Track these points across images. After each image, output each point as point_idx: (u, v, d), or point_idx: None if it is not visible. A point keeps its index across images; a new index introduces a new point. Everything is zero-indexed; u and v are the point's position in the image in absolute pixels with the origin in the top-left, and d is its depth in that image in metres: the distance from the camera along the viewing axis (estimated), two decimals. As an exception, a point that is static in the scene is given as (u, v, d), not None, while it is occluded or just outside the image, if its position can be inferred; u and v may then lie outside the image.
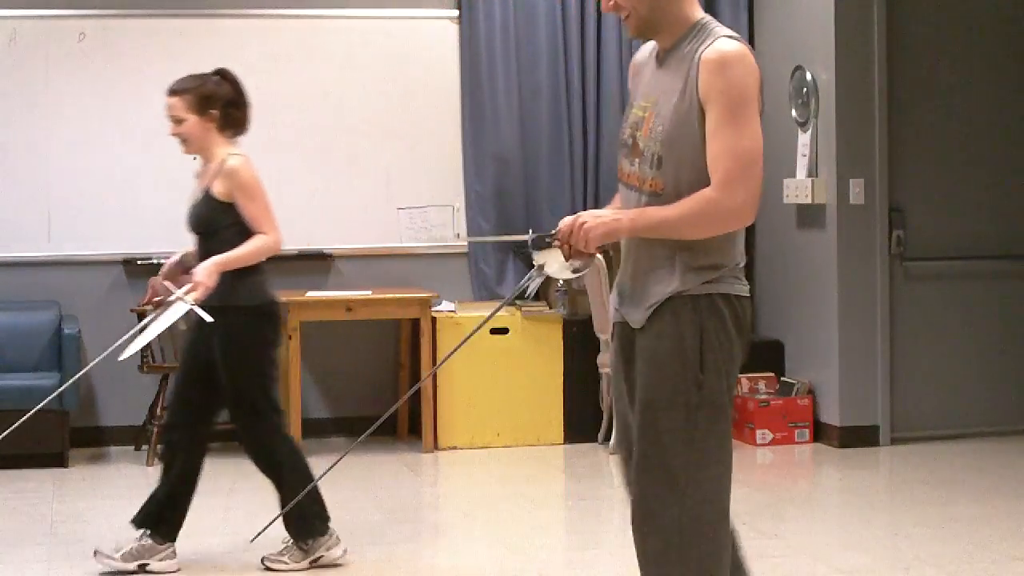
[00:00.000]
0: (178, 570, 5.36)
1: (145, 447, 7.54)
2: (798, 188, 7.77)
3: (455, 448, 7.76)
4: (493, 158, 8.20)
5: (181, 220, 7.89)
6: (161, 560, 5.32)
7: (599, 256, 3.58)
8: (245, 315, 5.30)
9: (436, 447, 7.73)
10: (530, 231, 3.67)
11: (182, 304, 5.05)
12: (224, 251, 5.26)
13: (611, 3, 3.36)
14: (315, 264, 8.11)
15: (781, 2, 8.15)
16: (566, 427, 7.88)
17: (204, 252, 5.31)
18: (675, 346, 3.30)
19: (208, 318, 5.03)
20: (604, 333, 7.63)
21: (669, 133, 3.28)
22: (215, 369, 5.25)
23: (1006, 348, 7.95)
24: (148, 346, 7.53)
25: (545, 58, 8.23)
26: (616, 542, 5.97)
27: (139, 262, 7.84)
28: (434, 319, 7.72)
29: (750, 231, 8.44)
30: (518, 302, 8.00)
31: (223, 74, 5.52)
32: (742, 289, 3.35)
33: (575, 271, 3.50)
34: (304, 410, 7.78)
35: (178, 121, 5.44)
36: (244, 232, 5.36)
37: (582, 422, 7.88)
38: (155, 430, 7.43)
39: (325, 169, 8.11)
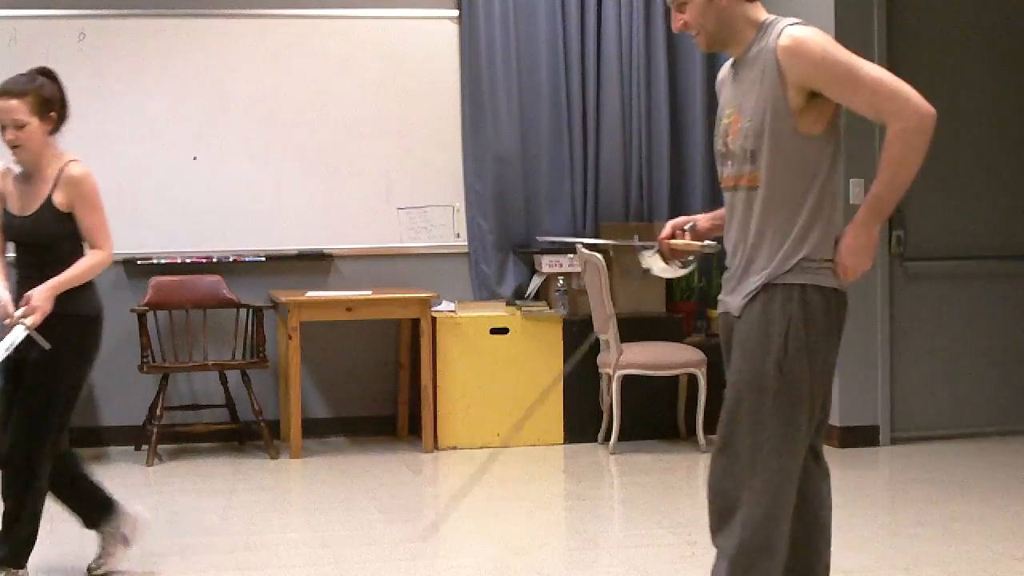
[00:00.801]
0: None
1: (145, 447, 7.54)
2: (798, 188, 7.76)
3: (455, 448, 7.76)
4: (493, 158, 8.20)
5: (181, 220, 7.95)
6: None
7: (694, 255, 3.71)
8: (77, 323, 4.92)
9: (436, 447, 7.73)
10: (636, 237, 3.82)
11: (20, 328, 4.76)
12: (60, 263, 4.88)
13: (680, 23, 3.48)
14: (315, 264, 8.11)
15: (781, 2, 8.14)
16: (566, 427, 7.88)
17: (38, 264, 4.91)
18: (762, 331, 3.39)
19: (46, 345, 4.72)
20: (604, 333, 7.63)
21: (757, 127, 3.39)
22: (29, 368, 4.86)
23: (1006, 348, 7.95)
24: (148, 346, 7.54)
25: (545, 58, 8.23)
26: (616, 542, 5.98)
27: (139, 262, 7.84)
28: (434, 319, 7.72)
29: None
30: (518, 302, 8.01)
31: (48, 74, 5.14)
32: (836, 282, 3.42)
33: (682, 267, 3.67)
34: (304, 410, 7.79)
35: (19, 126, 4.98)
36: (78, 243, 4.96)
37: (582, 422, 7.88)
38: (155, 430, 7.43)
39: (325, 169, 8.11)
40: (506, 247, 8.25)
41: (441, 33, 8.23)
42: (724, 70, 3.63)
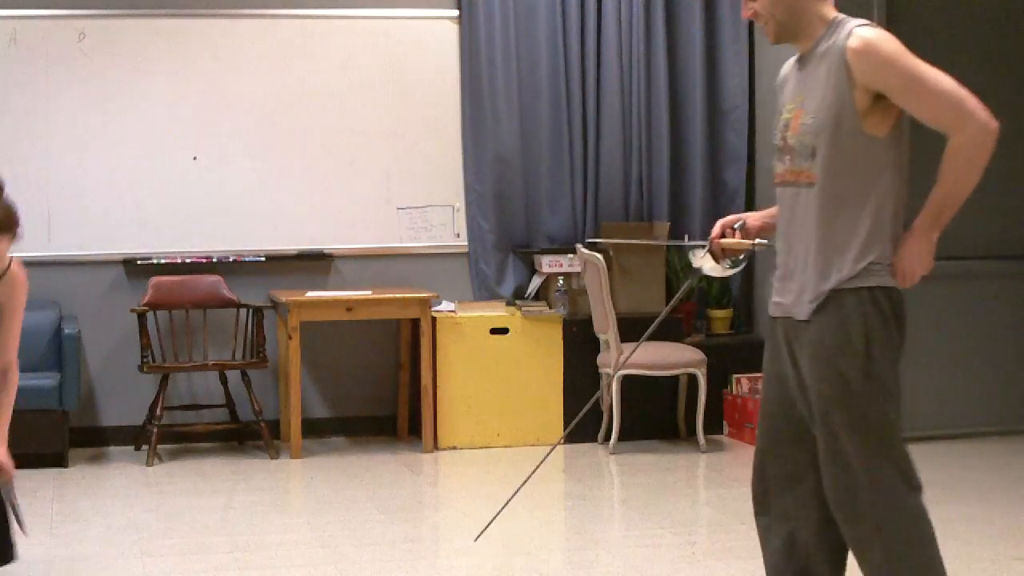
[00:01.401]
0: None
1: (145, 447, 7.54)
2: (798, 188, 7.76)
3: (455, 448, 7.76)
4: (493, 158, 8.20)
5: (181, 220, 7.95)
6: None
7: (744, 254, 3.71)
8: None
9: (436, 447, 7.73)
10: (685, 237, 3.87)
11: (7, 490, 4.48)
12: None
13: (750, 11, 3.52)
14: (315, 264, 8.11)
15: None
16: (566, 427, 7.87)
17: None
18: (841, 337, 3.38)
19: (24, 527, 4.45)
20: (604, 333, 7.63)
21: (819, 124, 3.39)
22: None
23: (1006, 348, 7.94)
24: (148, 346, 7.54)
25: (545, 58, 8.23)
26: (616, 542, 5.98)
27: (139, 262, 7.84)
28: (434, 319, 7.72)
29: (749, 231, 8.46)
30: (518, 302, 8.01)
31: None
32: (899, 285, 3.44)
33: (732, 266, 3.68)
34: (304, 410, 7.78)
35: None
36: None
37: (582, 422, 7.85)
38: (155, 430, 7.43)
39: (325, 169, 8.11)
40: (506, 247, 8.25)
41: (441, 33, 8.23)
42: (787, 66, 3.63)
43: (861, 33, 3.35)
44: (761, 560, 5.50)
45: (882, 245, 3.40)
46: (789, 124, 3.48)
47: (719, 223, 3.72)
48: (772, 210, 3.68)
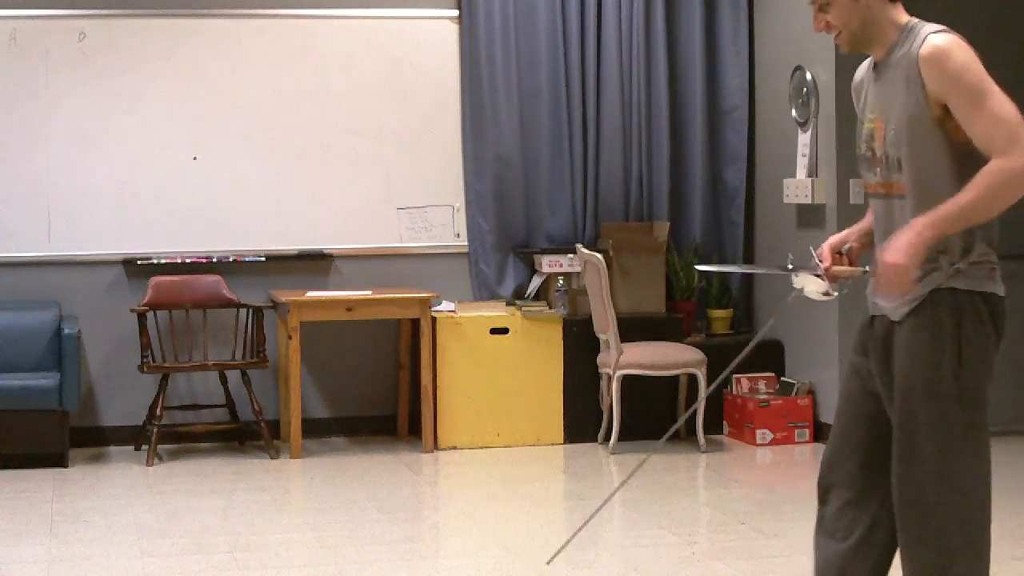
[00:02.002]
0: None
1: (145, 447, 7.54)
2: (798, 188, 7.77)
3: (455, 448, 7.76)
4: (493, 158, 8.20)
5: (181, 220, 7.95)
6: None
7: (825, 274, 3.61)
8: None
9: (436, 447, 7.73)
10: (789, 256, 3.78)
11: None
12: None
13: (823, 24, 3.50)
14: (315, 264, 8.11)
15: (781, 2, 8.16)
16: (566, 427, 7.88)
17: None
18: (933, 337, 3.37)
19: None
20: (604, 333, 7.63)
21: (902, 135, 3.38)
22: None
23: (1006, 348, 7.92)
24: (148, 346, 7.54)
25: (545, 58, 8.23)
26: (616, 542, 5.98)
27: (139, 262, 7.84)
28: (434, 319, 7.72)
29: (749, 231, 8.47)
30: (518, 302, 8.01)
31: None
32: (999, 288, 3.43)
33: (828, 293, 3.62)
34: (304, 410, 7.78)
35: None
36: None
37: (582, 422, 7.88)
38: (155, 430, 7.43)
39: (325, 169, 8.11)
40: (506, 247, 8.24)
41: (441, 33, 8.22)
42: (862, 71, 3.62)
43: (934, 40, 3.36)
44: (761, 561, 5.52)
45: (978, 247, 3.38)
46: (874, 135, 3.48)
47: (827, 247, 3.61)
48: (866, 224, 3.63)
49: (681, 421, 5.30)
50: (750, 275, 8.48)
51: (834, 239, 3.64)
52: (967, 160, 3.35)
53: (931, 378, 3.36)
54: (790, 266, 3.68)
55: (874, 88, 3.51)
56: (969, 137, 3.34)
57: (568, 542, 4.81)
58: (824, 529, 3.61)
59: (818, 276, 3.55)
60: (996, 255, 3.45)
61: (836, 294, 3.58)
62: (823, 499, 3.62)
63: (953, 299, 3.36)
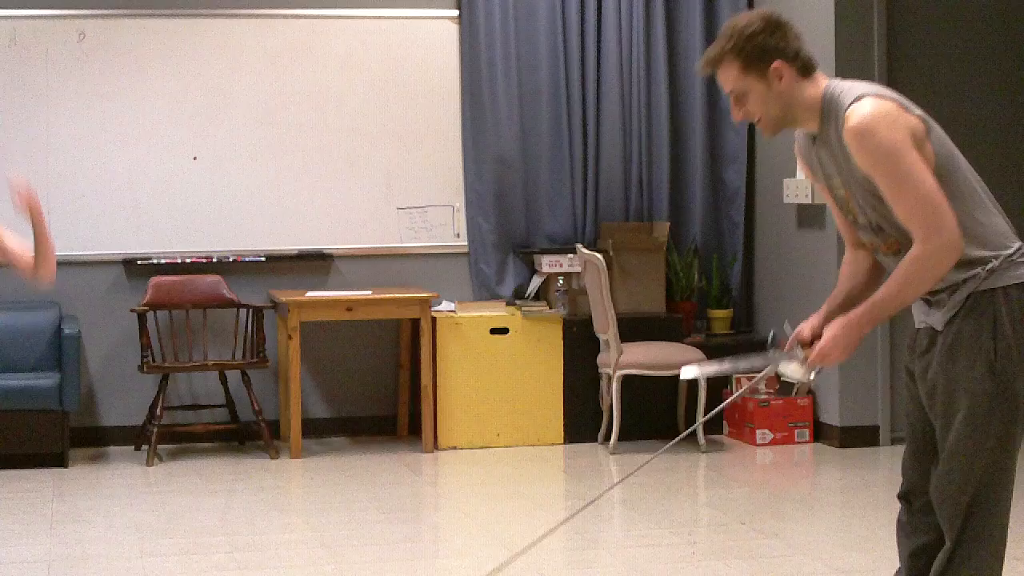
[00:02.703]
0: None
1: (145, 447, 7.54)
2: (798, 188, 7.77)
3: (455, 448, 7.76)
4: (493, 158, 8.20)
5: (181, 220, 7.95)
6: None
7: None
8: None
9: (436, 447, 7.73)
10: (770, 336, 3.84)
11: None
12: None
13: (741, 114, 3.49)
14: (315, 264, 8.11)
15: (781, 2, 8.15)
16: (566, 427, 7.88)
17: None
18: (971, 337, 3.37)
19: None
20: (604, 333, 7.63)
21: (868, 200, 3.40)
22: None
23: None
24: (148, 346, 7.54)
25: (545, 58, 8.23)
26: (616, 542, 5.98)
27: (139, 262, 7.84)
28: (434, 319, 7.72)
29: (749, 231, 8.48)
30: (518, 302, 8.01)
31: None
32: None
33: (816, 373, 3.66)
34: (304, 410, 7.78)
35: None
36: None
37: (582, 422, 7.88)
38: (155, 430, 7.43)
39: (325, 169, 8.11)
40: (506, 247, 8.24)
41: (441, 33, 8.22)
42: (800, 137, 3.59)
43: (852, 117, 3.32)
44: (761, 560, 5.52)
45: (994, 247, 3.38)
46: (847, 205, 3.49)
47: (808, 329, 3.62)
48: (842, 289, 3.64)
49: (684, 434, 5.31)
50: (750, 275, 8.47)
51: (815, 321, 3.62)
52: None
53: (968, 377, 3.37)
54: (771, 352, 3.70)
55: (824, 156, 3.49)
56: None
57: (515, 556, 4.69)
58: (904, 530, 3.63)
59: (797, 360, 3.57)
60: (1016, 240, 3.46)
61: (814, 377, 3.66)
62: (904, 501, 3.64)
63: (990, 298, 3.37)
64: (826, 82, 3.46)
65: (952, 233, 3.29)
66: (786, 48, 3.42)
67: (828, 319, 3.57)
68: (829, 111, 3.41)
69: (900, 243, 3.39)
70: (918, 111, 3.43)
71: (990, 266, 3.37)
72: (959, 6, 7.91)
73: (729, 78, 3.46)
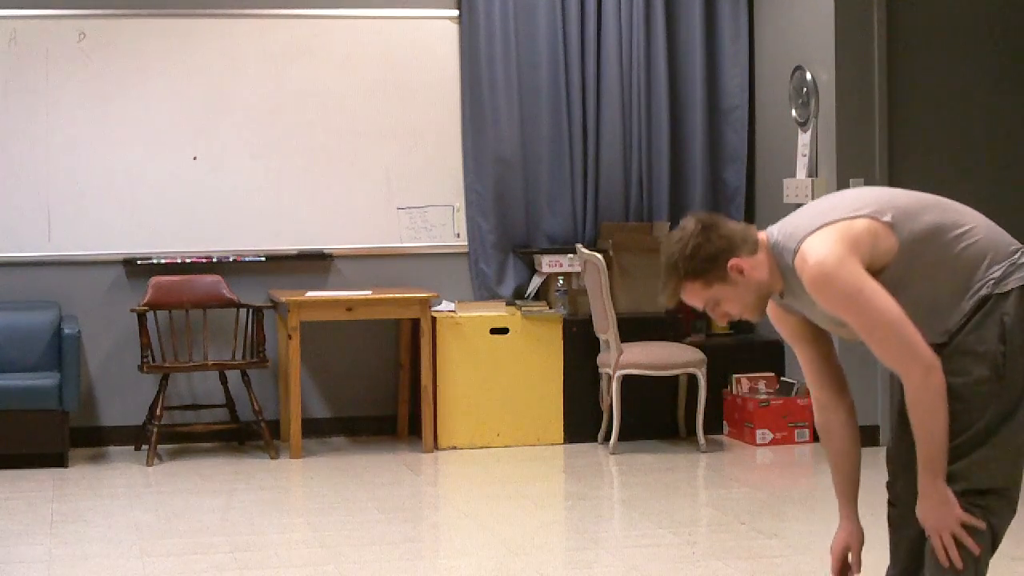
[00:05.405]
0: None
1: (145, 447, 7.53)
2: (798, 188, 7.77)
3: (455, 448, 7.76)
4: (493, 158, 8.20)
5: (181, 220, 7.95)
6: None
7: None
8: None
9: (436, 447, 7.73)
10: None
11: None
12: None
13: (725, 317, 3.53)
14: (315, 264, 8.11)
15: (781, 2, 8.16)
16: (566, 427, 7.88)
17: None
18: (976, 339, 3.36)
19: None
20: (604, 333, 7.62)
21: (855, 331, 3.40)
22: None
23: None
24: (148, 346, 7.54)
25: (545, 58, 8.23)
26: (616, 542, 5.98)
27: (139, 262, 7.84)
28: (434, 319, 7.72)
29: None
30: (518, 302, 8.00)
31: None
32: None
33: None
34: (304, 410, 7.78)
35: None
36: None
37: (582, 422, 7.88)
38: (155, 430, 7.43)
39: (325, 169, 8.11)
40: (506, 247, 8.24)
41: (441, 33, 8.22)
42: (771, 302, 3.60)
43: (804, 271, 3.33)
44: (761, 560, 5.52)
45: (991, 268, 3.39)
46: (842, 335, 3.53)
47: (837, 561, 3.61)
48: (846, 484, 3.61)
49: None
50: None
51: (847, 532, 3.60)
52: (914, 262, 3.36)
53: (973, 378, 3.36)
54: None
55: (797, 305, 3.52)
56: (891, 259, 3.36)
57: None
58: (894, 523, 3.63)
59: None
60: (1011, 243, 3.47)
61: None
62: (889, 495, 3.63)
63: (996, 302, 3.37)
64: (767, 239, 3.46)
65: (924, 355, 3.29)
66: (731, 244, 3.43)
67: (855, 514, 3.59)
68: (783, 267, 3.43)
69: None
70: (863, 201, 3.40)
71: (995, 276, 3.38)
72: (959, 6, 7.91)
73: (697, 297, 3.51)
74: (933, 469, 3.35)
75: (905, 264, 3.37)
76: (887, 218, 3.38)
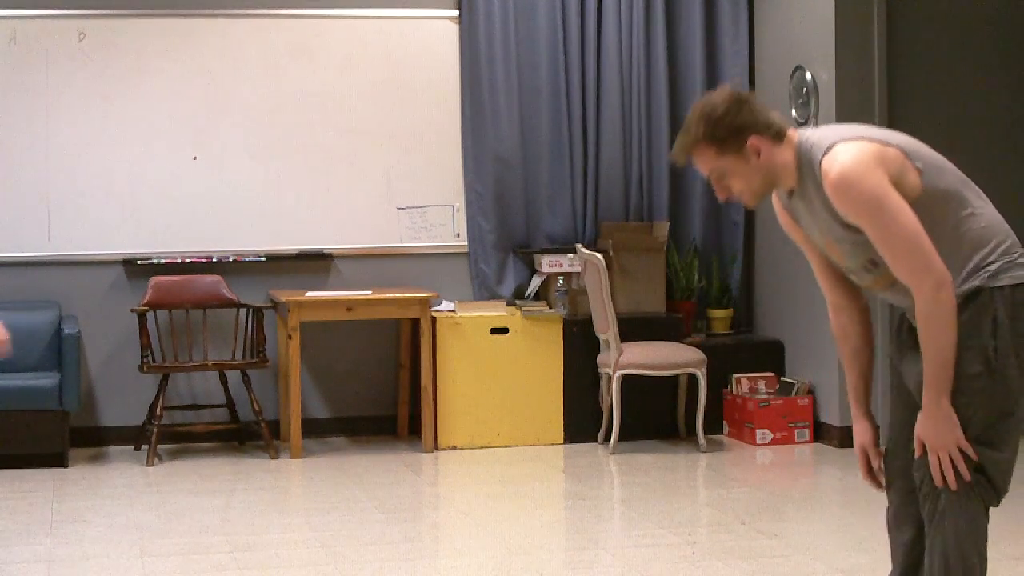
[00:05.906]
0: None
1: (145, 447, 7.54)
2: (798, 188, 7.76)
3: (455, 448, 7.76)
4: (493, 158, 8.20)
5: (181, 220, 7.95)
6: None
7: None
8: None
9: (436, 447, 7.73)
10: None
11: None
12: None
13: (725, 192, 3.48)
14: (315, 264, 8.11)
15: (781, 2, 8.16)
16: (566, 427, 7.88)
17: None
18: (968, 333, 3.35)
19: None
20: (604, 333, 7.63)
21: (856, 248, 3.40)
22: None
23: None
24: (148, 346, 7.54)
25: (545, 58, 8.23)
26: (616, 542, 5.98)
27: (139, 262, 7.84)
28: (434, 319, 7.72)
29: (749, 231, 8.47)
30: (518, 302, 8.00)
31: None
32: None
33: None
34: (304, 410, 7.78)
35: None
36: None
37: (582, 422, 7.88)
38: (155, 430, 7.43)
39: (325, 169, 8.11)
40: (506, 247, 8.25)
41: (441, 33, 8.23)
42: (776, 196, 3.60)
43: (829, 170, 3.32)
44: (761, 560, 5.52)
45: (990, 243, 3.39)
46: (831, 252, 3.51)
47: (861, 454, 3.68)
48: (859, 383, 3.65)
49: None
50: (750, 275, 8.48)
51: (863, 427, 3.65)
52: (924, 216, 3.34)
53: (967, 374, 3.35)
54: None
55: (801, 208, 3.50)
56: (916, 198, 3.35)
57: None
58: (893, 523, 3.63)
59: None
60: (1011, 237, 3.46)
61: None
62: (888, 492, 3.64)
63: (988, 296, 3.37)
64: (797, 137, 3.45)
65: (938, 269, 3.29)
66: (756, 122, 3.41)
67: (869, 412, 3.62)
68: (804, 166, 3.41)
69: (893, 277, 3.40)
70: (897, 139, 3.42)
71: (991, 269, 3.37)
72: (959, 5, 7.91)
73: (706, 163, 3.45)
74: (938, 386, 3.33)
75: (917, 213, 3.35)
76: (918, 164, 3.39)
